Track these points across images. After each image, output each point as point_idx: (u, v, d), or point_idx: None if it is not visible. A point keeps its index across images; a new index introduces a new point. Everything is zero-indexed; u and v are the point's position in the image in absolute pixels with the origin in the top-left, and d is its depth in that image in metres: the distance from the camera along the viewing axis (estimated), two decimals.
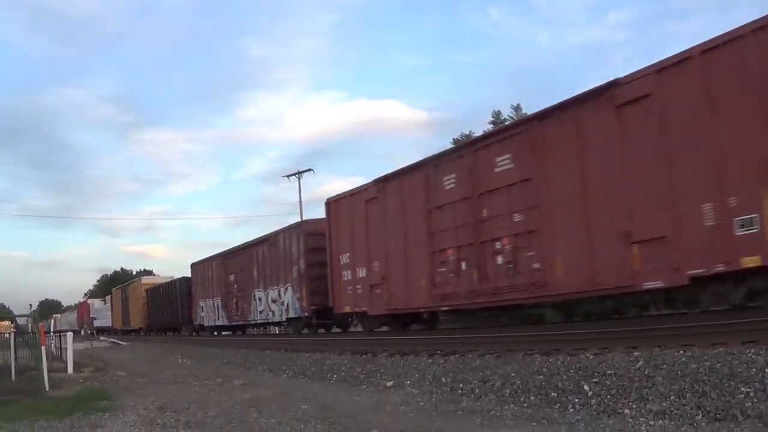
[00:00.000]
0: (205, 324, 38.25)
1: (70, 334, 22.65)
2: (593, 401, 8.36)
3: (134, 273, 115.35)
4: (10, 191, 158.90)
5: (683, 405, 7.36)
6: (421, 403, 10.07)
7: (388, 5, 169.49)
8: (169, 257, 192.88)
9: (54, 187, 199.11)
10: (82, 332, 68.60)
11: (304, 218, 35.53)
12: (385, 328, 22.19)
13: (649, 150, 12.71)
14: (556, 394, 9.01)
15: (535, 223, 15.21)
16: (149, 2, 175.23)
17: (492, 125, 37.11)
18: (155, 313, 49.97)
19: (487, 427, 8.13)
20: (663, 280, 12.47)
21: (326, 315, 24.61)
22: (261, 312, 30.29)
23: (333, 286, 23.16)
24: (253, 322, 32.28)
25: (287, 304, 27.38)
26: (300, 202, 54.30)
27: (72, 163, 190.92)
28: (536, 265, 15.17)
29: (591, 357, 10.30)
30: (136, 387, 15.60)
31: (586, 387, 8.82)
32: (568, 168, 14.42)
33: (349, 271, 22.25)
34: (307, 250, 25.86)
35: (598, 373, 9.17)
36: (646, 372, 8.61)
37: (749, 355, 8.18)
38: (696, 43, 12.05)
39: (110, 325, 64.58)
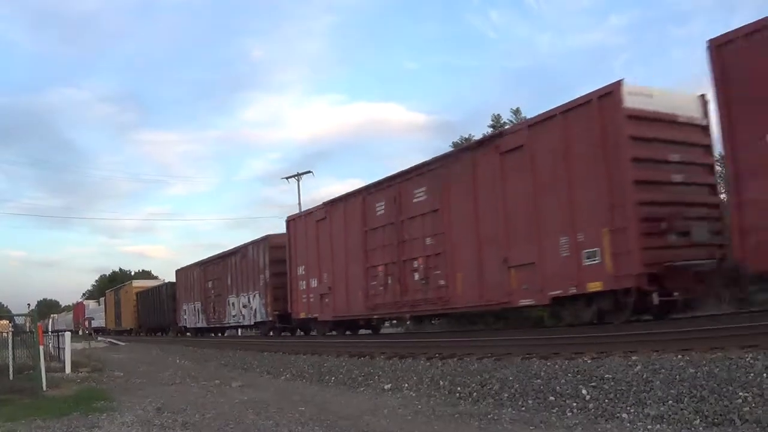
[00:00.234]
0: (188, 326, 41.35)
1: (67, 334, 22.65)
2: (591, 405, 8.36)
3: (133, 274, 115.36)
4: (9, 190, 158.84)
5: (681, 409, 7.36)
6: (419, 406, 10.07)
7: (388, 8, 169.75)
8: (168, 258, 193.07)
9: (53, 186, 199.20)
10: (80, 332, 69.03)
11: None
12: (350, 332, 24.83)
13: (522, 191, 15.38)
14: (554, 398, 9.02)
15: (441, 246, 18.02)
16: (150, 2, 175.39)
17: (492, 128, 37.09)
18: (145, 314, 53.55)
19: (485, 430, 8.14)
20: (532, 298, 15.28)
21: (287, 320, 27.44)
22: (234, 316, 33.53)
23: (291, 294, 26.23)
24: (228, 324, 35.30)
25: (255, 309, 30.53)
26: (299, 204, 53.92)
27: (71, 162, 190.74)
28: (442, 282, 17.93)
29: (589, 361, 10.29)
30: (134, 387, 15.59)
31: (584, 391, 8.82)
32: (466, 202, 17.14)
33: (304, 282, 25.25)
34: (271, 261, 28.86)
35: (596, 377, 9.17)
36: (644, 376, 8.61)
37: (747, 359, 8.18)
38: (560, 104, 14.68)
39: (104, 325, 67.47)
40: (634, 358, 9.79)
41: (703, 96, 14.28)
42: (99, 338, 55.86)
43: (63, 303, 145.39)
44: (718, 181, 14.96)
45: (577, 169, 14.14)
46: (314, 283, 24.61)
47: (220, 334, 38.32)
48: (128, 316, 58.42)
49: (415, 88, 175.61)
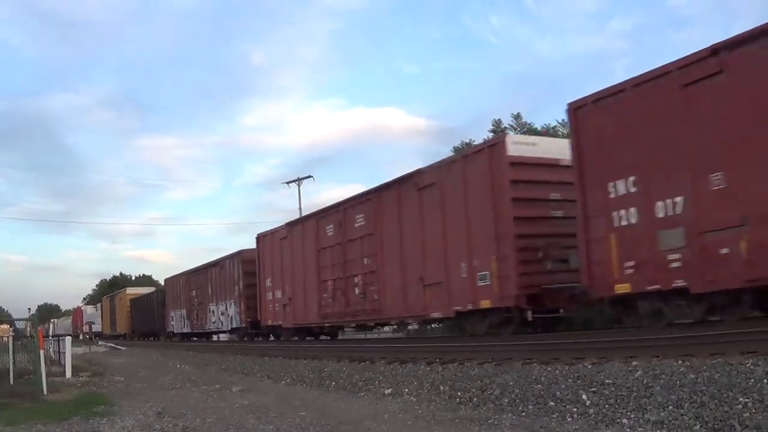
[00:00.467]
0: (175, 331, 44.46)
1: (68, 338, 22.65)
2: (591, 411, 8.36)
3: (133, 278, 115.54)
4: (9, 195, 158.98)
5: (681, 415, 7.36)
6: (420, 411, 10.07)
7: (389, 12, 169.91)
8: (169, 262, 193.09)
9: (54, 191, 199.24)
10: (81, 336, 69.43)
11: None
12: (311, 338, 27.64)
13: (434, 221, 18.11)
14: (554, 404, 9.02)
15: (375, 266, 20.86)
16: (150, 7, 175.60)
17: (492, 133, 37.16)
18: (137, 320, 57.14)
19: None
20: (441, 312, 18.01)
21: (258, 326, 30.49)
22: (214, 322, 36.77)
23: (261, 304, 29.40)
24: (209, 330, 38.44)
25: (231, 317, 33.92)
26: (300, 209, 53.97)
27: (71, 167, 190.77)
28: (376, 296, 20.83)
29: (589, 366, 10.29)
30: (135, 392, 15.60)
31: (584, 396, 8.82)
32: (393, 228, 19.94)
33: (271, 293, 28.30)
34: (244, 273, 32.08)
35: (597, 382, 9.17)
36: (645, 382, 8.61)
37: (748, 365, 8.18)
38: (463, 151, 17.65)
39: (101, 330, 69.85)
40: (634, 363, 9.79)
41: None
42: (100, 342, 56.07)
43: (63, 307, 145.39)
44: None
45: (474, 206, 16.79)
46: (279, 294, 27.60)
47: (205, 339, 40.94)
48: (123, 322, 61.48)
49: (416, 92, 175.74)
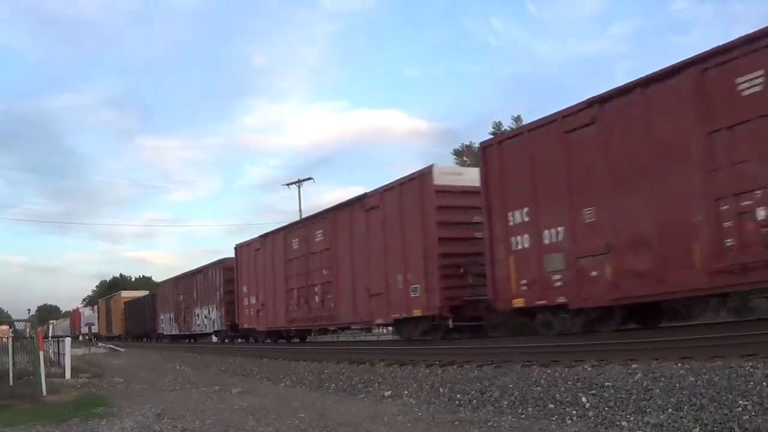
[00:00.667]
0: (165, 333, 46.97)
1: (68, 340, 22.64)
2: (591, 413, 8.36)
3: (133, 279, 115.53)
4: (10, 196, 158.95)
5: (681, 418, 7.36)
6: (419, 414, 10.07)
7: (389, 15, 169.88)
8: (169, 264, 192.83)
9: (54, 192, 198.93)
10: (80, 338, 69.82)
11: None
12: (283, 340, 29.92)
13: (378, 238, 20.25)
14: (553, 406, 9.02)
15: (331, 276, 23.14)
16: (151, 9, 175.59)
17: (492, 135, 37.17)
18: (131, 322, 59.65)
19: None
20: (383, 318, 20.55)
21: (236, 329, 32.94)
22: (198, 325, 39.13)
23: (238, 308, 31.91)
24: (194, 332, 40.70)
25: (214, 320, 36.28)
26: (300, 210, 54.01)
27: (72, 168, 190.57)
28: (332, 304, 23.08)
29: (589, 369, 10.30)
30: (134, 393, 15.61)
31: (584, 399, 8.83)
32: (346, 244, 22.16)
33: (247, 298, 30.70)
34: (224, 280, 34.37)
35: (596, 385, 9.18)
36: (644, 384, 8.62)
37: (747, 368, 8.19)
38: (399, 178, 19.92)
39: (97, 331, 73.01)
40: (634, 366, 9.81)
41: None
42: (99, 344, 56.26)
43: (63, 309, 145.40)
44: None
45: (408, 228, 19.06)
46: (253, 299, 30.01)
47: (192, 341, 42.92)
48: (117, 324, 63.99)
49: (417, 94, 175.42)
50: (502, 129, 40.19)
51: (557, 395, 9.30)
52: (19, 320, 41.20)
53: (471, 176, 18.30)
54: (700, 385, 8.01)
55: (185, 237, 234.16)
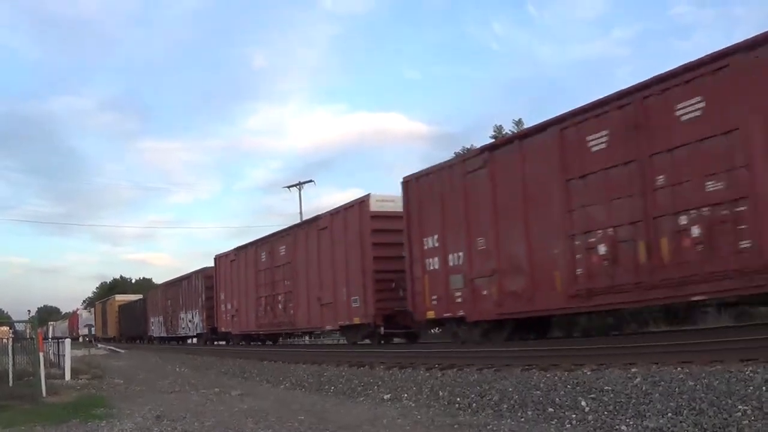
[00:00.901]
0: (154, 335, 50.97)
1: (67, 341, 22.65)
2: (590, 417, 8.36)
3: (133, 281, 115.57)
4: (11, 197, 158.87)
5: (680, 422, 7.36)
6: (418, 417, 10.06)
7: (390, 17, 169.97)
8: (169, 265, 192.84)
9: (55, 193, 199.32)
10: (80, 339, 70.54)
11: None
12: (257, 343, 33.23)
13: (327, 255, 23.87)
14: (553, 410, 9.01)
15: (292, 287, 26.68)
16: (152, 11, 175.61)
17: (493, 138, 37.09)
18: (124, 324, 63.49)
19: None
20: (332, 325, 24.13)
21: (216, 332, 36.76)
22: (183, 328, 42.74)
23: (217, 314, 35.54)
24: (180, 335, 44.27)
25: (196, 324, 39.82)
26: (300, 213, 54.10)
27: (73, 169, 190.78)
28: (292, 312, 26.65)
29: (589, 373, 10.30)
30: (134, 395, 15.60)
31: (583, 403, 8.82)
32: (303, 258, 25.74)
33: (224, 305, 34.26)
34: (205, 288, 37.83)
35: (596, 389, 9.17)
36: (644, 388, 8.62)
37: (747, 372, 8.19)
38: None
39: (94, 333, 76.12)
40: (633, 370, 9.80)
41: None
42: (99, 345, 56.55)
43: (63, 310, 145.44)
44: None
45: (350, 247, 22.40)
46: (229, 306, 33.53)
47: (180, 342, 46.13)
48: (112, 326, 67.78)
49: (417, 97, 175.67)
50: (503, 132, 40.02)
51: (557, 399, 9.29)
52: (19, 321, 41.32)
53: (402, 204, 20.22)
54: (699, 389, 8.02)
55: (186, 239, 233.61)
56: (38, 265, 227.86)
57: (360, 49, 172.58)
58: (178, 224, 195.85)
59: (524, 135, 16.39)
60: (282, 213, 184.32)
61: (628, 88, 13.53)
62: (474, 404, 10.34)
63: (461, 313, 17.41)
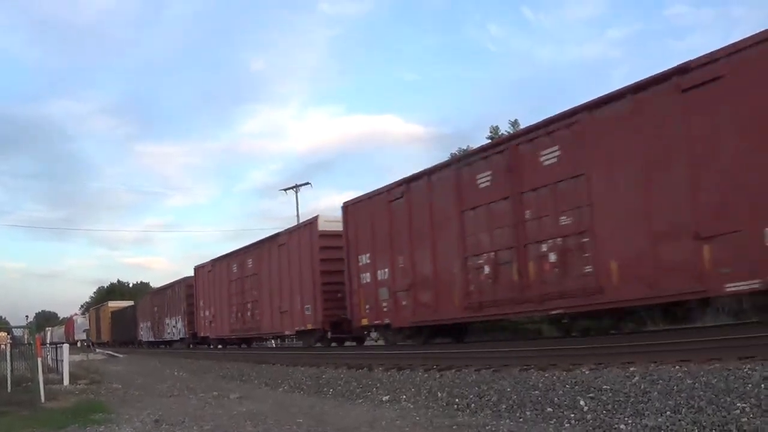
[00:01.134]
0: (143, 339, 53.95)
1: (65, 346, 22.66)
2: (589, 416, 8.36)
3: (131, 285, 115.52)
4: (8, 202, 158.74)
5: (679, 420, 7.36)
6: (417, 418, 10.06)
7: (388, 20, 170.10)
8: (168, 269, 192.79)
9: (53, 198, 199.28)
10: (79, 344, 71.10)
11: None
12: (234, 346, 36.37)
13: (285, 268, 26.86)
14: (551, 409, 9.01)
15: (258, 296, 29.55)
16: (151, 15, 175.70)
17: (489, 140, 37.14)
18: (116, 330, 66.60)
19: None
20: (289, 330, 26.98)
21: (196, 336, 39.28)
22: (168, 333, 45.73)
23: (197, 319, 38.38)
24: (166, 339, 46.95)
25: (179, 329, 42.75)
26: (297, 215, 54.10)
27: (71, 174, 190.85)
28: (258, 318, 29.65)
29: (587, 372, 10.30)
30: (132, 399, 15.59)
31: (581, 402, 8.82)
32: (267, 271, 28.71)
33: (202, 311, 37.25)
34: (187, 296, 40.73)
35: (594, 388, 9.18)
36: (642, 387, 8.62)
37: (745, 370, 8.20)
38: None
39: (89, 337, 78.68)
40: (632, 369, 9.80)
41: None
42: (97, 350, 56.76)
43: (61, 315, 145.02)
44: None
45: (303, 262, 25.50)
46: (207, 313, 36.50)
47: (166, 346, 48.33)
48: (105, 331, 71.37)
49: (414, 99, 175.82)
50: (500, 133, 40.12)
51: (555, 399, 9.30)
52: (17, 327, 41.29)
53: None
54: (698, 387, 8.02)
55: (184, 242, 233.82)
56: (36, 270, 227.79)
57: (358, 51, 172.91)
58: (175, 228, 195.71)
59: (432, 171, 18.81)
60: (279, 216, 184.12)
61: (507, 136, 17.68)
62: (472, 405, 10.34)
63: (387, 320, 20.37)
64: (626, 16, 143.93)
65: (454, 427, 9.10)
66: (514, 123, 40.74)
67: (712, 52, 11.98)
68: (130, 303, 65.48)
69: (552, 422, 8.62)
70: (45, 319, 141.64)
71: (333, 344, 25.90)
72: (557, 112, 14.80)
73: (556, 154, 14.78)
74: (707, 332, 11.86)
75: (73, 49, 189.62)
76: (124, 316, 63.30)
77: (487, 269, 16.67)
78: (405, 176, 19.64)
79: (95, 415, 12.41)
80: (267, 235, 29.65)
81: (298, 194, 57.18)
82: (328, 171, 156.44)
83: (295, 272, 26.07)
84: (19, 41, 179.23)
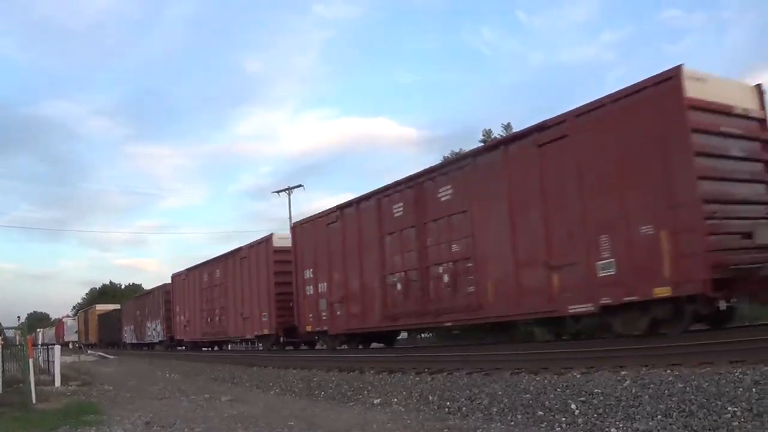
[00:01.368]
0: (127, 341, 57.84)
1: (57, 347, 22.62)
2: (580, 420, 8.37)
3: (123, 287, 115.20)
4: (2, 203, 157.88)
5: (670, 424, 7.38)
6: (408, 421, 10.05)
7: (381, 23, 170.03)
8: (160, 271, 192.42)
9: (46, 199, 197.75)
10: (70, 345, 71.38)
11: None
12: (207, 348, 40.36)
13: (246, 280, 30.34)
14: (543, 413, 9.02)
15: (226, 303, 33.18)
16: (145, 18, 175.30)
17: (482, 143, 37.11)
18: (103, 332, 70.57)
19: None
20: (250, 334, 30.51)
21: (173, 339, 43.17)
22: (149, 335, 49.79)
23: (174, 323, 42.05)
24: (146, 341, 51.00)
25: (159, 332, 46.53)
26: (290, 218, 53.96)
27: (64, 175, 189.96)
28: (225, 323, 33.36)
29: (578, 376, 10.32)
30: (124, 401, 15.56)
31: (573, 406, 8.83)
32: (232, 282, 32.24)
33: (178, 316, 40.80)
34: (164, 301, 44.57)
35: (586, 392, 9.18)
36: (633, 391, 8.63)
37: (736, 374, 8.21)
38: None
39: (78, 339, 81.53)
40: (623, 372, 9.82)
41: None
42: (89, 351, 56.76)
43: (53, 316, 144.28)
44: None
45: (260, 274, 28.93)
46: (182, 317, 40.00)
47: (147, 348, 52.29)
48: (93, 333, 74.94)
49: (407, 102, 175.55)
50: (492, 136, 40.11)
51: (546, 402, 9.30)
52: (9, 327, 41.10)
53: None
54: (689, 391, 8.03)
55: (176, 244, 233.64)
56: (28, 271, 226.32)
57: (352, 53, 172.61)
58: (168, 230, 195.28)
59: (360, 200, 21.78)
60: (272, 218, 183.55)
61: (415, 174, 19.35)
62: (464, 408, 10.34)
63: (325, 327, 23.68)
64: (620, 19, 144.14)
65: (445, 430, 9.10)
66: (507, 126, 40.60)
67: (561, 115, 14.74)
68: (116, 306, 67.83)
69: (543, 426, 8.63)
70: (37, 320, 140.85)
71: (288, 348, 29.55)
72: (454, 156, 19.52)
73: (450, 192, 17.87)
74: (698, 336, 11.91)
75: (65, 50, 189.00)
76: (110, 318, 66.79)
77: (399, 286, 19.81)
78: (340, 203, 23.08)
79: (86, 416, 12.37)
80: (231, 249, 33.23)
81: (291, 196, 57.06)
82: (321, 173, 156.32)
83: (254, 283, 29.45)
84: (13, 42, 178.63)
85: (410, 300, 19.28)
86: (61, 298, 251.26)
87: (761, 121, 13.64)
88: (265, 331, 28.44)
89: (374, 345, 24.84)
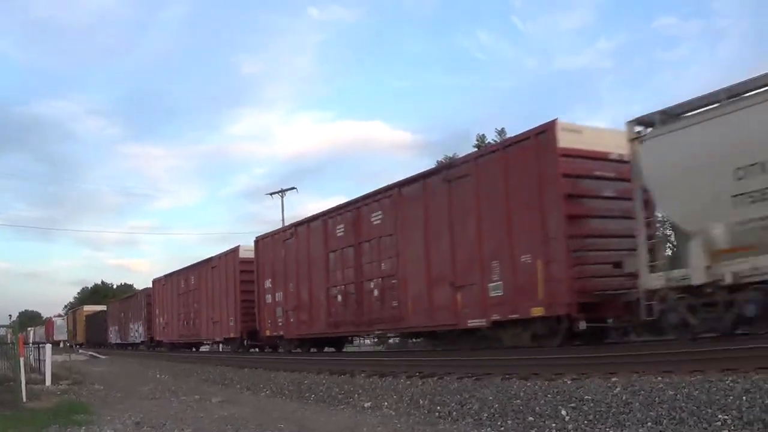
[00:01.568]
0: (113, 341, 60.05)
1: (48, 346, 22.55)
2: (570, 426, 8.37)
3: (115, 287, 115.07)
4: None
5: (660, 431, 7.38)
6: (399, 425, 10.04)
7: (376, 26, 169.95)
8: (151, 272, 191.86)
9: (39, 198, 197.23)
10: (61, 344, 71.75)
11: None
12: (185, 349, 42.28)
13: (216, 287, 33.39)
14: (533, 419, 9.02)
15: (199, 307, 35.99)
16: (140, 18, 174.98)
17: (476, 148, 37.21)
18: (90, 332, 72.61)
19: None
20: (219, 337, 33.73)
21: (153, 340, 46.30)
22: (132, 336, 52.71)
23: (153, 324, 45.23)
24: (130, 341, 53.74)
25: (141, 333, 49.55)
26: (283, 220, 54.05)
27: (59, 175, 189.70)
28: (198, 326, 35.95)
29: (569, 382, 10.31)
30: (114, 401, 15.52)
31: (563, 412, 8.83)
32: (204, 288, 35.12)
33: (158, 318, 43.95)
34: (146, 304, 47.35)
35: (576, 398, 9.18)
36: (624, 398, 8.63)
37: (727, 382, 8.22)
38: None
39: (67, 338, 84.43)
40: (614, 379, 9.81)
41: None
42: (80, 350, 56.85)
43: (45, 315, 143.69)
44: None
45: (227, 283, 32.08)
46: (162, 320, 43.07)
47: (131, 348, 54.51)
48: (81, 332, 76.90)
49: (402, 106, 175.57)
50: (486, 141, 40.20)
51: (537, 408, 9.30)
52: (0, 326, 40.97)
53: None
54: (679, 398, 8.04)
55: (168, 245, 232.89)
56: (20, 269, 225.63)
57: (346, 57, 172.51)
58: (161, 230, 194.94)
59: (310, 220, 24.77)
60: (265, 220, 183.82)
61: (354, 199, 22.04)
62: (454, 413, 10.33)
63: (281, 333, 26.40)
64: (615, 27, 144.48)
65: None
66: (501, 131, 40.80)
67: (466, 155, 19.29)
68: (103, 308, 69.79)
69: (533, 431, 8.63)
70: (28, 319, 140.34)
71: (252, 350, 31.88)
72: (384, 186, 20.71)
73: (380, 216, 20.52)
74: (690, 344, 11.91)
75: (59, 49, 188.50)
76: (96, 319, 69.29)
77: (340, 298, 22.42)
78: (295, 221, 26.63)
79: (77, 416, 12.33)
80: (205, 258, 36.02)
81: (284, 198, 57.17)
82: (315, 175, 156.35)
83: (223, 290, 32.50)
84: (9, 41, 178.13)
85: (349, 310, 22.00)
86: (53, 297, 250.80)
87: None
88: (232, 335, 31.63)
89: (327, 349, 27.74)
